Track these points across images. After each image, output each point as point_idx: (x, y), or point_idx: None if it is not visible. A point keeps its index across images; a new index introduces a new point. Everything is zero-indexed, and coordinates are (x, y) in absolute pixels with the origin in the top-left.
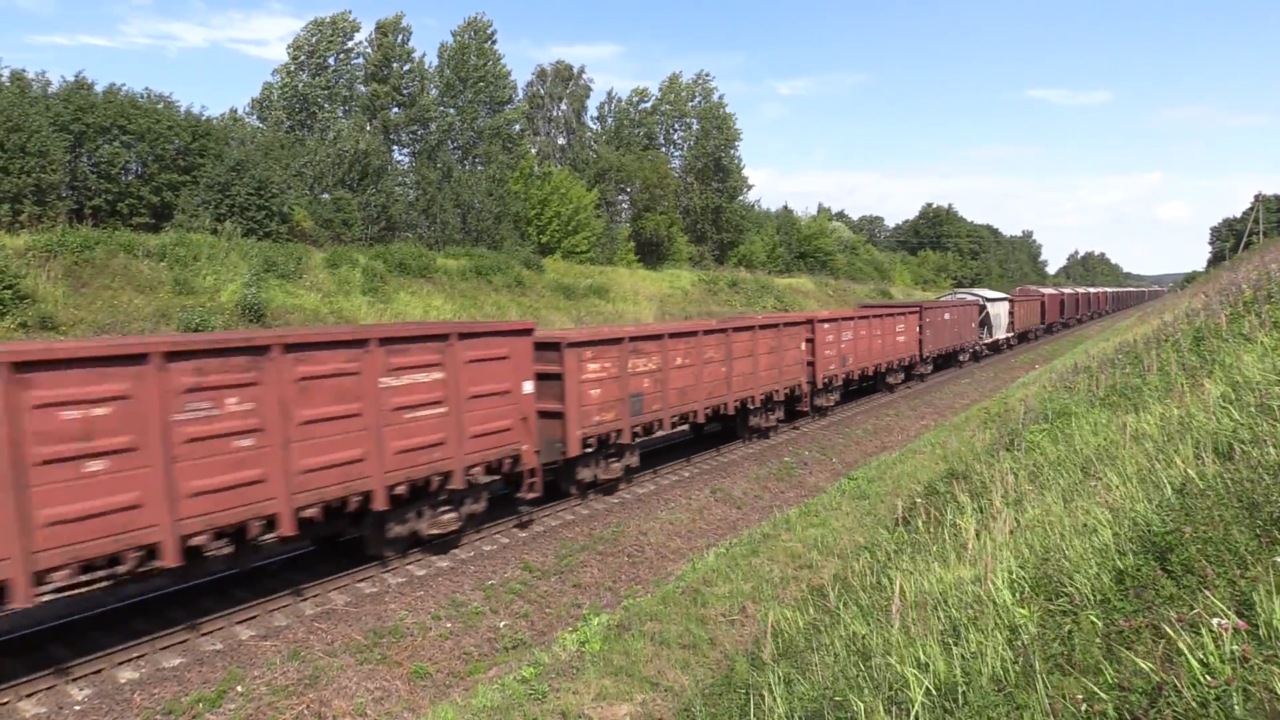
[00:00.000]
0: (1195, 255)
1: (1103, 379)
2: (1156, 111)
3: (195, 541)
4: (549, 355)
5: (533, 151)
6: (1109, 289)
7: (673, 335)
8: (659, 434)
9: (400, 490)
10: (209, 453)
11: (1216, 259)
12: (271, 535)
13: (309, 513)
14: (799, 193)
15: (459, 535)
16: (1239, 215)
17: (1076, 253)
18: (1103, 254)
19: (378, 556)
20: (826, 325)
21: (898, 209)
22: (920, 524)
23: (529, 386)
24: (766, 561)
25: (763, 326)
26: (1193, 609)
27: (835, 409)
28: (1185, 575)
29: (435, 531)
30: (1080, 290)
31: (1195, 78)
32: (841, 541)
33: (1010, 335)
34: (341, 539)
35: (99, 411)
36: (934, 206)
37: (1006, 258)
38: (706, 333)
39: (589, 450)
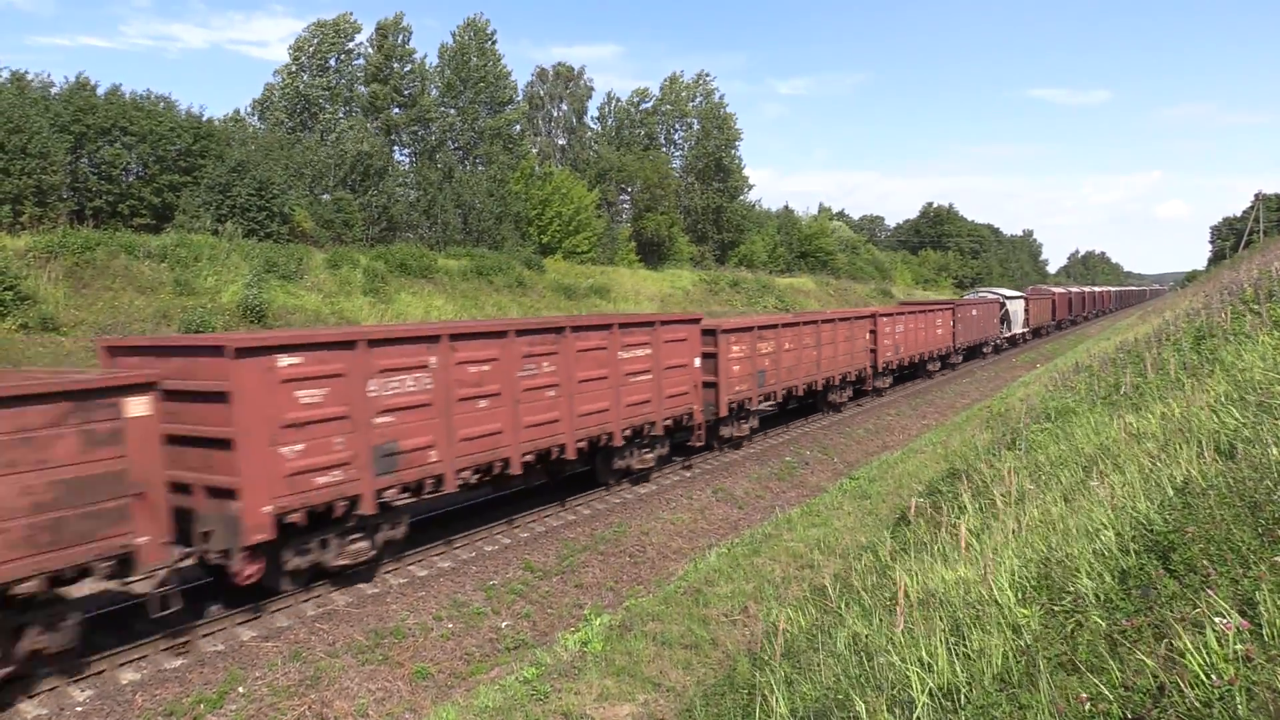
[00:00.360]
0: (1196, 254)
1: (1104, 378)
2: (1156, 110)
3: (525, 460)
4: (708, 339)
5: (533, 152)
6: (1113, 288)
7: (785, 325)
8: (766, 405)
9: (627, 433)
10: (534, 399)
11: (1217, 258)
12: (557, 459)
13: (580, 445)
14: (800, 192)
15: (652, 471)
16: (1239, 214)
17: (1077, 252)
18: (1103, 253)
19: (604, 483)
20: (885, 319)
21: (898, 208)
22: (922, 523)
23: (698, 362)
24: (768, 561)
25: (840, 320)
26: (1196, 608)
27: (889, 390)
28: (1188, 574)
29: (640, 467)
30: (1087, 289)
31: (1195, 76)
32: (843, 541)
33: (1026, 330)
34: (565, 475)
35: (484, 368)
36: (934, 206)
37: (1007, 257)
38: (805, 323)
39: (731, 412)
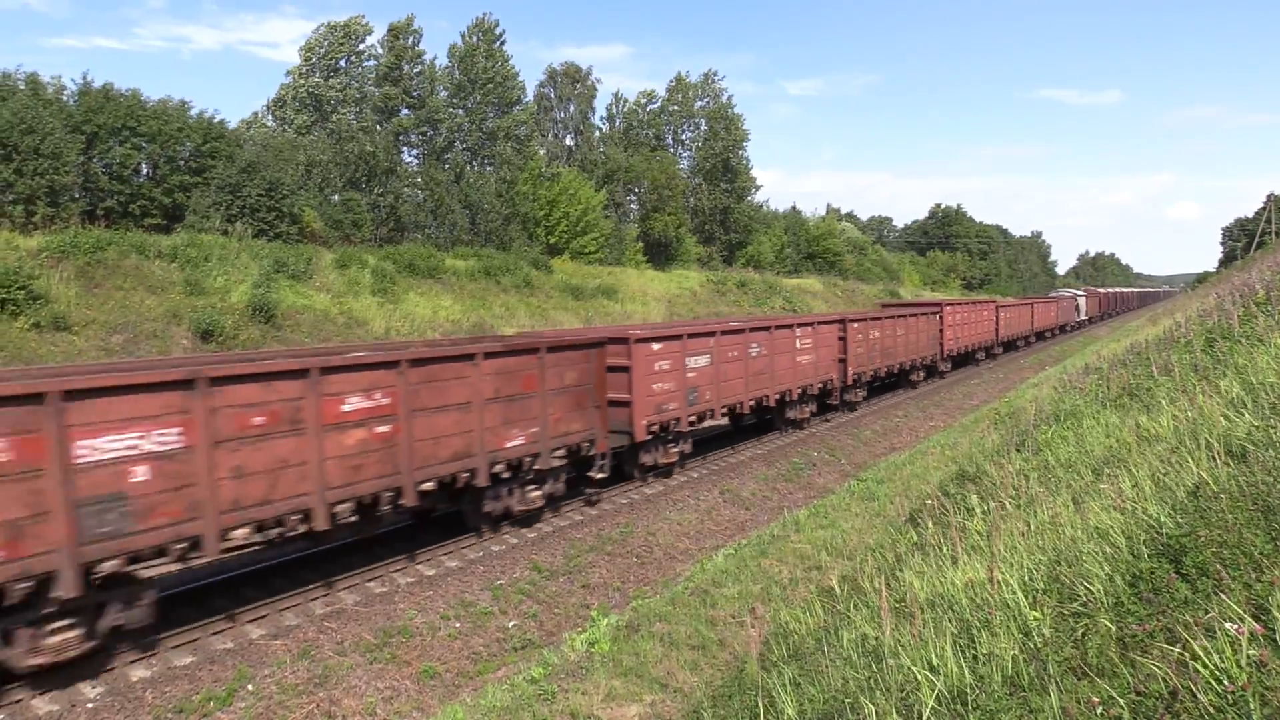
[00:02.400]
0: (1206, 256)
1: (1113, 380)
2: (1168, 111)
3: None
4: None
5: (541, 152)
6: (1135, 289)
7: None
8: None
9: (753, 405)
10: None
11: (1228, 259)
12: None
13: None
14: (808, 193)
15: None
16: (1251, 215)
17: (1087, 253)
18: (1113, 254)
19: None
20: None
21: (907, 210)
22: (930, 525)
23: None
24: (775, 563)
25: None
26: (1208, 613)
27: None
28: (1200, 579)
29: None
30: (1118, 290)
31: (1208, 77)
32: (851, 542)
33: (1086, 317)
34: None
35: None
36: (943, 207)
37: (1016, 258)
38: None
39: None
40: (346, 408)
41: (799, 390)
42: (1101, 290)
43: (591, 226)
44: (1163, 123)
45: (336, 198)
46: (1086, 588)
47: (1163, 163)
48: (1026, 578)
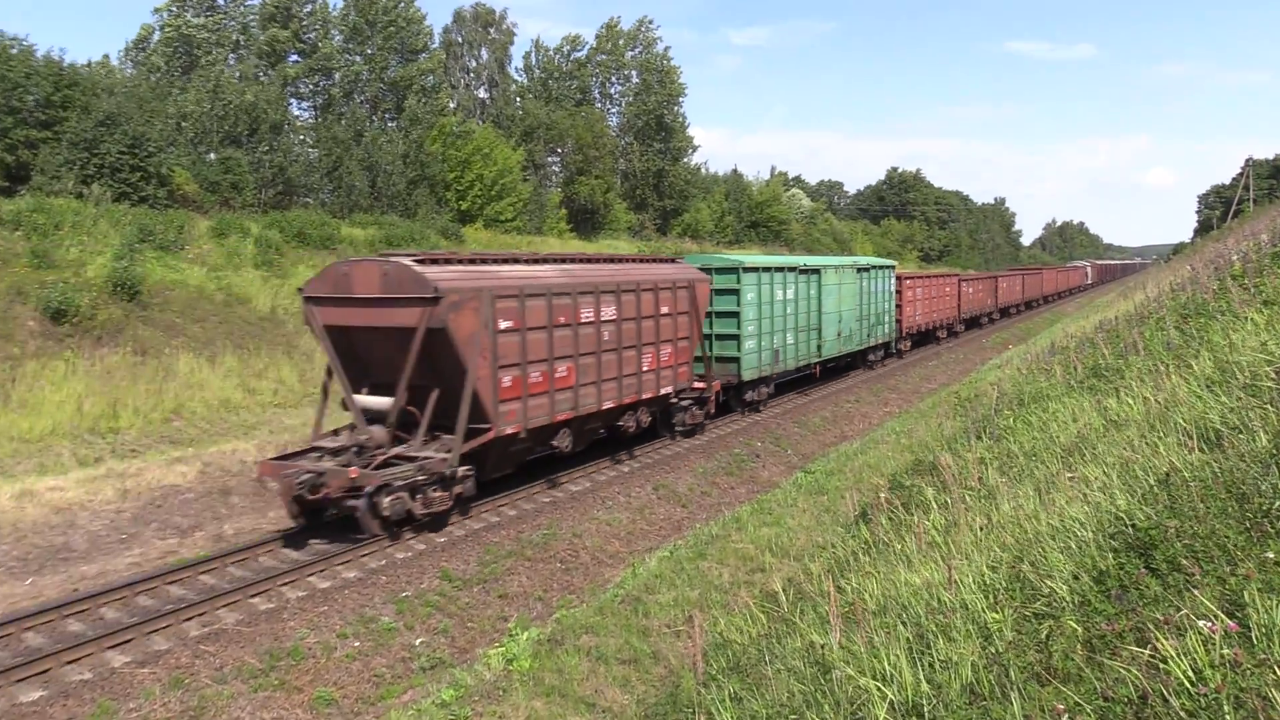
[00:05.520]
0: (1182, 225)
1: (1081, 360)
2: (1145, 68)
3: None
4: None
5: (451, 106)
6: (1119, 261)
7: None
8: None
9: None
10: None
11: (1204, 229)
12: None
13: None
14: (752, 155)
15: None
16: (1228, 182)
17: (1053, 222)
18: (1082, 223)
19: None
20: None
21: (861, 174)
22: (884, 521)
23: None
24: (715, 565)
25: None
26: (1179, 610)
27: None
28: (1171, 574)
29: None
30: (1110, 262)
31: (1187, 30)
32: (797, 542)
33: (1090, 281)
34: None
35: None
36: (900, 171)
37: (977, 228)
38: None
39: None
40: None
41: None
42: (1100, 262)
43: (509, 191)
44: (1139, 81)
45: (213, 156)
46: (1051, 586)
47: (1138, 124)
48: (986, 577)
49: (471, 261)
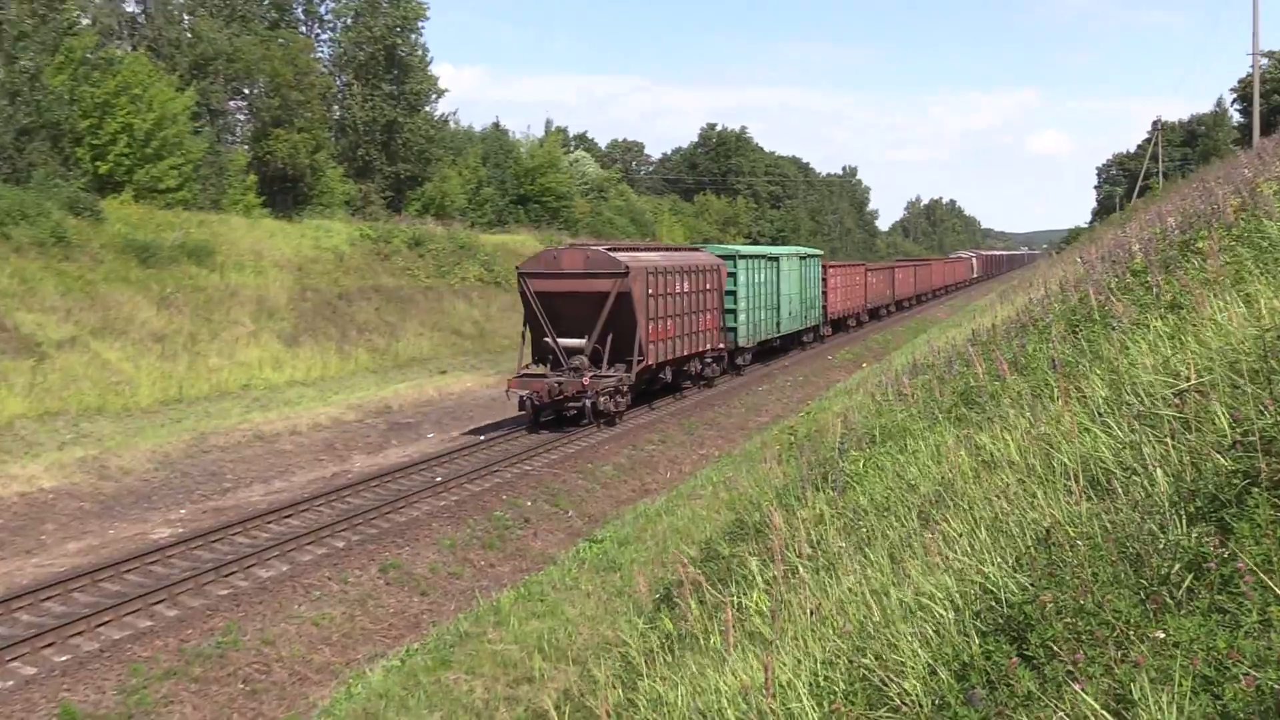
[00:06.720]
0: (1078, 205)
1: (950, 383)
2: (1031, 4)
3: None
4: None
5: (83, 21)
6: (1004, 253)
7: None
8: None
9: None
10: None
11: (1104, 210)
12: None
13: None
14: (521, 104)
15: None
16: (1133, 150)
17: (917, 200)
18: (953, 202)
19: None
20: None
21: (669, 132)
22: (694, 606)
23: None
24: (465, 676)
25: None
26: (1057, 711)
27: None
28: (1049, 663)
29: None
30: (999, 253)
31: None
32: (578, 639)
33: (978, 275)
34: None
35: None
36: (719, 129)
37: (821, 206)
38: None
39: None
40: None
41: None
42: (986, 253)
43: (171, 148)
44: (1023, 22)
45: None
46: (901, 687)
47: (1025, 74)
48: (821, 676)
49: (631, 249)
